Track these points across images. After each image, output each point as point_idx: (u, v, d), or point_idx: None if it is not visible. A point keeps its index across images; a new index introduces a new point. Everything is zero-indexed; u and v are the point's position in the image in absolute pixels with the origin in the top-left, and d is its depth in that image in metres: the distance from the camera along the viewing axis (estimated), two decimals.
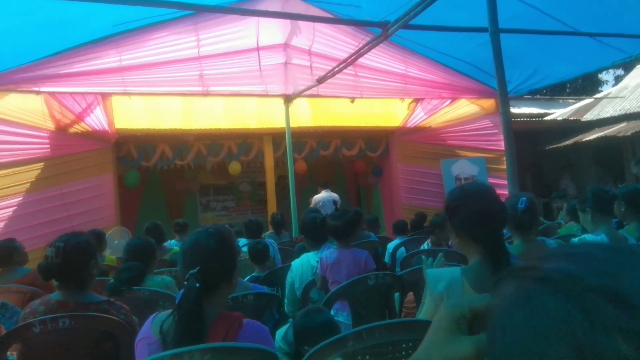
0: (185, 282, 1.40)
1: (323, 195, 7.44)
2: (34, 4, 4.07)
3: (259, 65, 6.50)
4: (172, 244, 4.92)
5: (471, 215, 1.57)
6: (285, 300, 3.11)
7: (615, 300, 0.40)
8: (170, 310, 1.45)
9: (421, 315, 1.63)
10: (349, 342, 1.43)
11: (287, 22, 6.20)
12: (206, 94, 6.33)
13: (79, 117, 6.24)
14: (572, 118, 11.65)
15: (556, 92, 16.24)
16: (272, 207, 7.94)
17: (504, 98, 3.45)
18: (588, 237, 2.81)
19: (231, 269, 1.54)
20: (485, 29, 3.70)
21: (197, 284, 1.36)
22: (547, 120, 11.70)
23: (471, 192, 1.67)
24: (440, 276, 1.58)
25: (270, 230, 6.13)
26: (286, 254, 4.83)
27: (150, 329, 1.44)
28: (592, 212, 2.75)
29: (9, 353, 2.38)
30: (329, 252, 2.92)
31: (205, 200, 10.27)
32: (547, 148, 10.80)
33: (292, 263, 3.26)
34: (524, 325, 0.45)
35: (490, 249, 1.53)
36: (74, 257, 1.98)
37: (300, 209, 7.37)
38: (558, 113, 12.42)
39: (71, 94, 6.05)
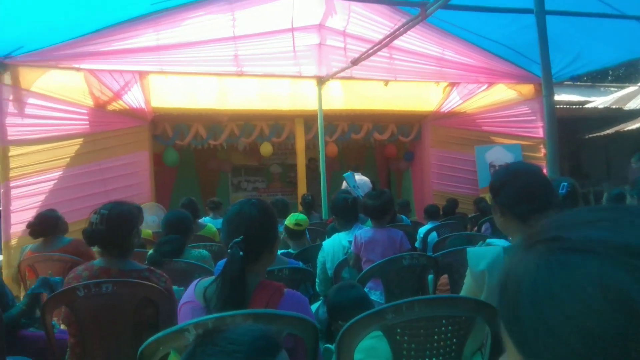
0: (228, 251, 1.42)
1: (355, 177, 7.40)
2: None
3: (293, 46, 6.48)
4: (207, 221, 5.02)
5: (516, 193, 1.55)
6: (317, 280, 3.14)
7: None
8: (214, 277, 1.48)
9: (462, 292, 1.62)
10: (388, 314, 1.43)
11: (322, 2, 6.14)
12: (240, 74, 6.37)
13: (117, 95, 6.37)
14: (614, 107, 11.21)
15: (597, 79, 15.63)
16: (302, 189, 7.97)
17: (548, 83, 3.34)
18: None
19: (273, 239, 1.56)
20: (530, 10, 3.57)
21: (241, 252, 1.38)
22: (588, 108, 11.29)
23: (517, 170, 1.65)
24: (481, 255, 1.55)
25: (301, 211, 6.16)
26: (316, 234, 4.86)
27: (194, 293, 1.47)
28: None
29: (54, 319, 2.48)
30: (364, 231, 2.92)
31: (237, 181, 10.40)
32: (587, 137, 10.45)
33: (324, 243, 3.28)
34: (565, 297, 0.43)
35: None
36: (117, 225, 2.03)
37: (330, 191, 7.38)
38: (599, 101, 11.97)
39: (110, 71, 6.17)
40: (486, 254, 1.56)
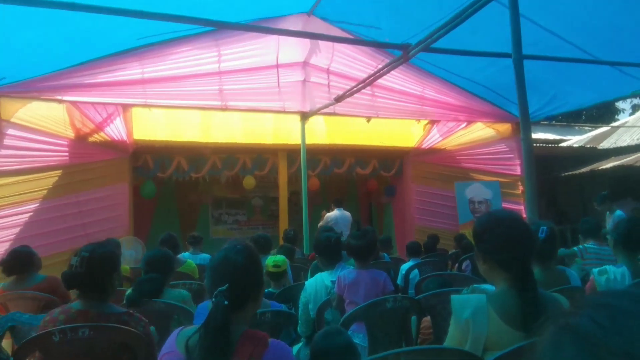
0: (213, 299, 1.40)
1: (336, 213, 7.42)
2: (62, 16, 4.16)
3: (278, 82, 6.57)
4: (185, 257, 4.92)
5: (498, 241, 1.58)
6: (299, 321, 3.09)
7: None
8: (196, 326, 1.44)
9: (446, 341, 1.61)
10: None
11: (307, 40, 6.28)
12: (225, 108, 6.40)
13: (99, 127, 6.33)
14: (588, 145, 11.58)
15: (571, 118, 16.18)
16: (283, 222, 7.94)
17: (526, 124, 3.44)
18: (609, 268, 2.76)
19: (259, 286, 1.54)
20: (508, 54, 3.70)
21: (226, 302, 1.36)
22: (563, 147, 11.64)
23: (499, 218, 1.68)
24: (465, 303, 1.56)
25: (281, 246, 6.10)
26: (297, 271, 4.81)
27: (175, 343, 1.43)
28: (616, 243, 2.72)
29: None
30: (348, 271, 2.91)
31: (217, 214, 10.29)
32: (563, 175, 10.72)
33: (306, 283, 3.24)
34: None
35: (517, 276, 1.53)
36: (98, 268, 1.99)
37: (312, 225, 7.36)
38: (574, 140, 12.36)
39: (93, 103, 6.15)
40: (470, 302, 1.56)
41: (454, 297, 1.62)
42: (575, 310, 0.52)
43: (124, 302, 2.61)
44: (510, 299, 1.52)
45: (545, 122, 10.63)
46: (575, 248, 4.36)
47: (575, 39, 5.19)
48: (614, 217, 6.22)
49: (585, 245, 4.25)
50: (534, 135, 11.78)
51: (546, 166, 10.85)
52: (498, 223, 1.62)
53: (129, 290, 2.79)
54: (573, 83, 6.38)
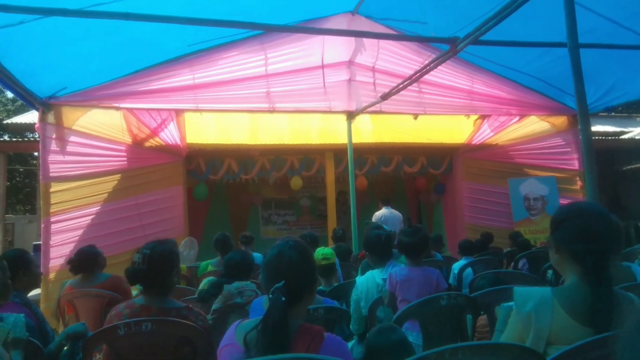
0: (270, 296, 1.43)
1: (384, 211, 7.37)
2: (117, 26, 4.36)
3: (324, 82, 6.60)
4: None
5: (576, 230, 1.50)
6: (351, 318, 3.09)
7: None
8: (253, 320, 1.48)
9: (504, 334, 1.57)
10: None
11: (352, 40, 6.27)
12: (272, 110, 6.49)
13: (154, 132, 6.59)
14: None
15: (633, 109, 15.28)
16: (332, 222, 7.97)
17: (585, 115, 3.28)
18: None
19: (313, 281, 1.56)
20: (563, 44, 3.55)
21: (283, 298, 1.39)
22: (625, 139, 11.02)
23: (581, 208, 1.60)
24: (529, 295, 1.52)
25: (332, 245, 6.13)
26: (348, 269, 4.82)
27: (234, 336, 1.48)
28: None
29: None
30: (399, 269, 2.88)
31: (267, 214, 10.48)
32: (625, 169, 10.15)
33: (357, 280, 3.24)
34: None
35: (592, 270, 1.44)
36: (159, 264, 2.08)
37: (360, 224, 7.34)
38: (636, 132, 11.67)
39: (148, 110, 6.41)
40: (534, 294, 1.52)
41: (517, 289, 1.58)
42: None
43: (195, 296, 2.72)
44: (579, 294, 1.45)
45: (604, 114, 10.10)
46: (637, 246, 4.12)
47: (633, 24, 4.90)
48: None
49: None
50: (593, 128, 11.21)
51: (606, 160, 10.32)
52: (579, 213, 1.55)
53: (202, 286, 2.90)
54: (633, 71, 6.02)
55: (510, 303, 1.78)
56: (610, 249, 1.50)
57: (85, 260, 3.64)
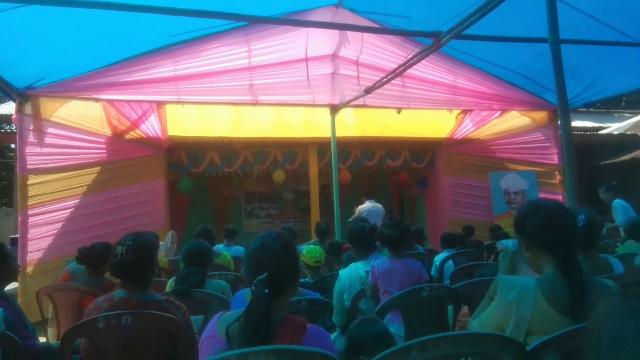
0: (253, 288, 1.42)
1: (368, 205, 7.40)
2: (97, 16, 4.27)
3: (307, 75, 6.57)
4: (220, 249, 5.01)
5: (540, 222, 1.57)
6: (334, 310, 3.10)
7: None
8: (236, 312, 1.47)
9: (483, 317, 1.60)
10: (413, 351, 1.40)
11: (336, 33, 6.25)
12: (255, 103, 6.45)
13: (135, 124, 6.49)
14: (629, 132, 11.14)
15: (611, 105, 15.58)
16: (315, 215, 7.97)
17: (565, 111, 3.34)
18: None
19: (296, 273, 1.56)
20: (544, 39, 3.59)
21: (266, 290, 1.38)
22: (603, 135, 11.24)
23: (538, 202, 1.69)
24: (513, 284, 1.55)
25: (315, 239, 6.14)
26: (330, 262, 4.82)
27: (216, 328, 1.46)
28: None
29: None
30: (382, 261, 2.90)
31: (250, 207, 10.43)
32: (602, 163, 10.36)
33: (340, 272, 3.25)
34: (634, 339, 0.48)
35: (562, 257, 1.51)
36: (142, 255, 2.05)
37: (343, 218, 7.36)
38: (614, 127, 11.91)
39: (128, 101, 6.31)
40: (518, 283, 1.55)
41: (502, 277, 1.62)
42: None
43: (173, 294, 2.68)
44: (557, 284, 1.50)
45: (584, 109, 10.26)
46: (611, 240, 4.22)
47: (614, 21, 4.98)
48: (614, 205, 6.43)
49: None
50: (572, 123, 11.41)
51: (585, 155, 10.50)
52: (538, 206, 1.63)
53: (170, 281, 2.86)
54: (612, 68, 6.13)
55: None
56: (574, 236, 1.55)
57: (91, 257, 3.39)
